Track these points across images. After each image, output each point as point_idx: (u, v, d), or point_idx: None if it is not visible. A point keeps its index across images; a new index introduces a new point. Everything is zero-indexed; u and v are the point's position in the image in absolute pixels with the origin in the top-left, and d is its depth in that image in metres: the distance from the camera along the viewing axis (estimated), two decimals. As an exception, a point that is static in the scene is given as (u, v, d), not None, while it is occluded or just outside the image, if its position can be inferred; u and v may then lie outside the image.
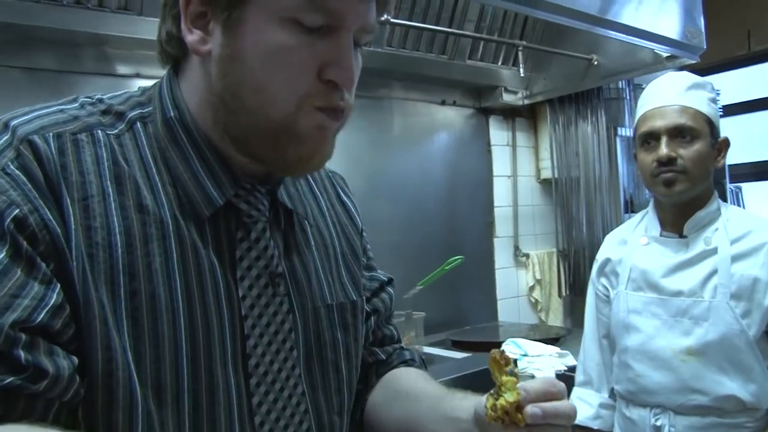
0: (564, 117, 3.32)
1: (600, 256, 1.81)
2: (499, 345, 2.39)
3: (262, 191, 0.80)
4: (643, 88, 3.35)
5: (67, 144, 0.69)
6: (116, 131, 0.73)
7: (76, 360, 0.64)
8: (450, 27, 2.74)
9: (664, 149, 1.55)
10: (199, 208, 0.74)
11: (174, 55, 0.78)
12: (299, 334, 0.82)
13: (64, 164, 0.67)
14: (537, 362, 2.19)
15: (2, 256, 0.61)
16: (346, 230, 0.97)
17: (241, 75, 0.70)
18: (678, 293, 1.57)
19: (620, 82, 3.27)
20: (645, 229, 1.70)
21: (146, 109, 0.77)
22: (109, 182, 0.70)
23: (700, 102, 1.58)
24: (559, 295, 3.40)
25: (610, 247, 1.79)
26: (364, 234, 1.03)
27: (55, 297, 0.63)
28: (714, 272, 1.54)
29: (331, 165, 2.84)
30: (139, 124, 0.75)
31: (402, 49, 2.71)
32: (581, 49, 2.94)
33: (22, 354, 0.60)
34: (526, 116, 3.45)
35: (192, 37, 0.72)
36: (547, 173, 3.43)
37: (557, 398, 0.75)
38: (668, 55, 2.69)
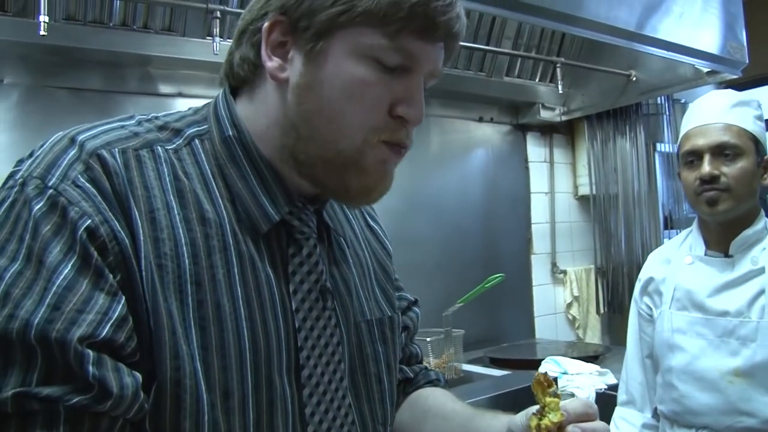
0: (602, 133, 3.30)
1: (643, 275, 1.78)
2: (538, 363, 2.38)
3: (311, 209, 0.83)
4: (683, 104, 3.36)
5: (132, 159, 0.71)
6: (174, 146, 0.76)
7: (140, 377, 0.65)
8: (488, 44, 2.74)
9: (706, 167, 1.53)
10: (257, 223, 0.77)
11: (243, 77, 0.81)
12: (345, 347, 0.84)
13: (131, 178, 0.70)
14: (577, 380, 2.18)
15: (69, 268, 0.63)
16: (377, 253, 1.01)
17: (318, 104, 0.74)
18: (724, 313, 1.54)
19: (659, 98, 3.23)
20: (690, 248, 1.67)
21: (202, 127, 0.80)
22: (172, 196, 0.72)
23: (745, 119, 1.56)
24: (597, 313, 3.36)
25: (653, 266, 1.76)
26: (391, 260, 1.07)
27: (119, 310, 0.65)
28: (761, 292, 1.50)
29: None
30: (197, 141, 0.78)
31: (440, 67, 2.72)
32: (620, 65, 2.92)
33: (90, 370, 0.61)
34: (563, 132, 3.44)
35: (272, 63, 0.76)
36: (584, 189, 3.40)
37: (593, 419, 0.79)
38: (709, 70, 2.66)
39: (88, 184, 0.67)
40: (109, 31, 1.96)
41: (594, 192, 3.33)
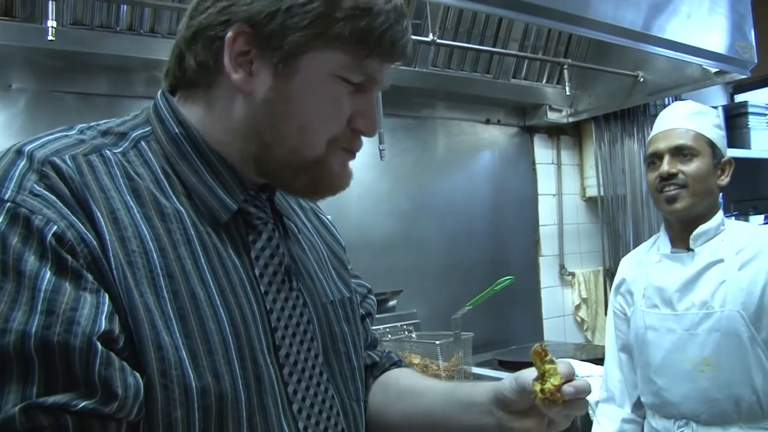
0: (609, 134, 3.29)
1: (617, 278, 1.90)
2: (547, 366, 2.36)
3: (263, 197, 0.87)
4: (694, 103, 3.33)
5: (83, 164, 0.71)
6: (121, 149, 0.77)
7: (139, 377, 0.65)
8: (494, 46, 2.74)
9: (665, 166, 1.68)
10: (217, 213, 0.79)
11: (195, 80, 0.82)
12: (315, 326, 0.87)
13: (86, 183, 0.70)
14: (587, 383, 2.16)
15: (49, 274, 0.62)
16: (327, 241, 1.03)
17: (286, 115, 0.78)
18: (690, 306, 1.65)
19: (667, 99, 3.22)
20: (657, 248, 1.80)
21: (146, 129, 0.81)
22: (128, 196, 0.73)
23: (703, 126, 1.70)
24: (606, 314, 3.34)
25: (625, 268, 1.88)
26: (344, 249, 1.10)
27: (108, 302, 0.65)
28: (722, 282, 1.62)
29: (380, 184, 2.86)
30: (143, 143, 0.79)
31: (447, 69, 2.73)
32: (627, 66, 2.92)
33: (96, 370, 0.61)
34: (570, 134, 3.43)
35: (237, 76, 0.77)
36: (592, 191, 3.39)
37: (573, 378, 0.86)
38: (717, 70, 2.65)
39: (46, 192, 0.66)
40: (116, 35, 1.96)
41: (602, 193, 3.32)
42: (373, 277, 2.45)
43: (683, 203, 1.66)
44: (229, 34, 0.76)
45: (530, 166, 3.27)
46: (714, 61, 2.54)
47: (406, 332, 2.35)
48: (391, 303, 2.46)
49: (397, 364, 1.13)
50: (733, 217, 3.52)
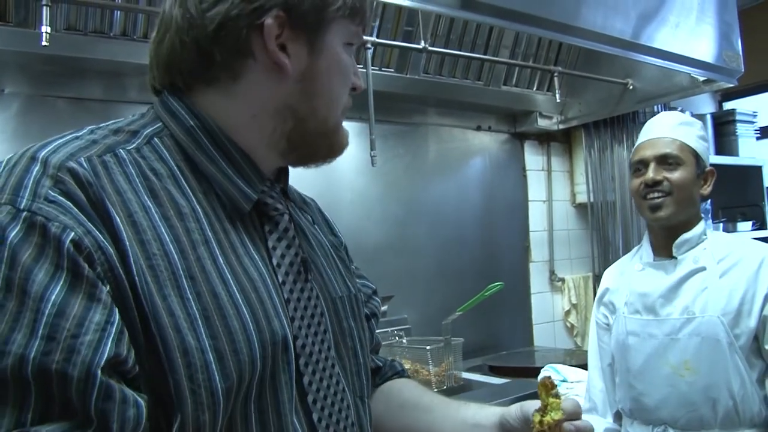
0: (599, 141, 3.32)
1: (600, 289, 1.93)
2: (537, 371, 2.38)
3: (278, 188, 0.88)
4: (682, 112, 3.37)
5: (98, 166, 0.70)
6: (135, 145, 0.76)
7: (143, 405, 0.64)
8: (485, 53, 2.76)
9: (650, 173, 1.72)
10: (238, 203, 0.80)
11: (219, 75, 0.81)
12: (327, 319, 0.88)
13: (103, 186, 0.69)
14: (576, 388, 2.18)
15: (57, 290, 0.61)
16: (329, 238, 1.04)
17: (319, 88, 0.83)
18: (672, 312, 1.68)
19: (656, 106, 3.25)
20: (640, 258, 1.83)
21: (156, 125, 0.80)
22: (145, 197, 0.72)
23: (688, 136, 1.74)
24: (596, 320, 3.37)
25: (609, 278, 1.91)
26: (347, 250, 1.11)
27: (117, 321, 0.63)
28: (704, 289, 1.65)
29: (372, 190, 2.87)
30: (156, 139, 0.79)
31: (438, 76, 2.74)
32: (617, 74, 2.94)
33: (92, 403, 0.60)
34: (561, 141, 3.46)
35: (282, 58, 0.80)
36: (582, 197, 3.42)
37: (580, 417, 0.89)
38: (705, 79, 2.68)
39: (62, 198, 0.65)
40: (109, 40, 1.97)
41: (591, 200, 3.34)
42: (364, 282, 2.47)
43: (667, 211, 1.69)
44: (269, 20, 0.77)
45: (521, 172, 3.29)
46: (702, 69, 2.58)
47: (397, 337, 2.36)
48: (383, 308, 2.47)
49: (400, 373, 1.14)
50: (721, 224, 3.56)
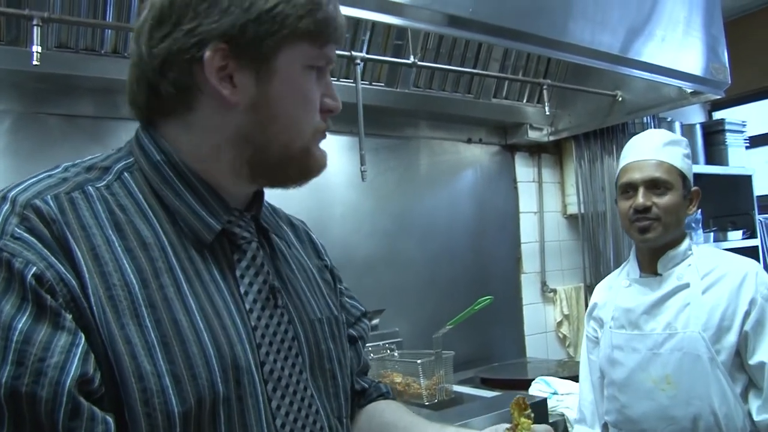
0: (589, 152, 3.34)
1: (590, 303, 1.97)
2: (528, 383, 2.39)
3: (248, 216, 0.90)
4: (669, 122, 3.40)
5: (65, 203, 0.74)
6: (105, 182, 0.80)
7: (111, 423, 0.68)
8: (475, 66, 2.79)
9: (640, 199, 1.72)
10: (201, 234, 0.82)
11: (174, 105, 0.83)
12: (302, 343, 0.90)
13: (67, 222, 0.73)
14: (566, 401, 2.19)
15: (25, 318, 0.65)
16: (314, 261, 1.07)
17: (273, 116, 0.83)
18: (655, 327, 1.71)
19: (645, 117, 3.28)
20: (627, 274, 1.86)
21: (129, 160, 0.84)
22: (110, 231, 0.75)
23: (675, 157, 1.75)
24: (588, 331, 3.38)
25: (598, 293, 1.95)
26: (336, 271, 1.13)
27: (82, 344, 0.67)
28: (687, 305, 1.68)
29: (362, 204, 2.86)
30: (126, 174, 0.83)
31: (428, 90, 2.77)
32: (606, 86, 2.97)
33: (60, 421, 0.64)
34: (551, 152, 3.48)
35: (225, 91, 0.81)
36: (573, 209, 3.44)
37: None
38: (693, 90, 2.71)
39: (26, 234, 0.69)
40: (100, 58, 1.98)
41: (582, 211, 3.36)
42: (355, 296, 2.48)
43: (655, 234, 1.71)
44: (208, 53, 0.79)
45: (512, 184, 3.31)
46: (689, 82, 2.61)
47: (389, 351, 2.36)
48: (374, 322, 2.48)
49: (385, 395, 1.16)
50: (712, 233, 3.58)
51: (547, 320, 3.38)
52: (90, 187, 0.78)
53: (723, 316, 1.63)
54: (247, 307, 0.83)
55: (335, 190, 2.60)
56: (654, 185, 1.72)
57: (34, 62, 1.65)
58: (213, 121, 0.83)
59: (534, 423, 0.94)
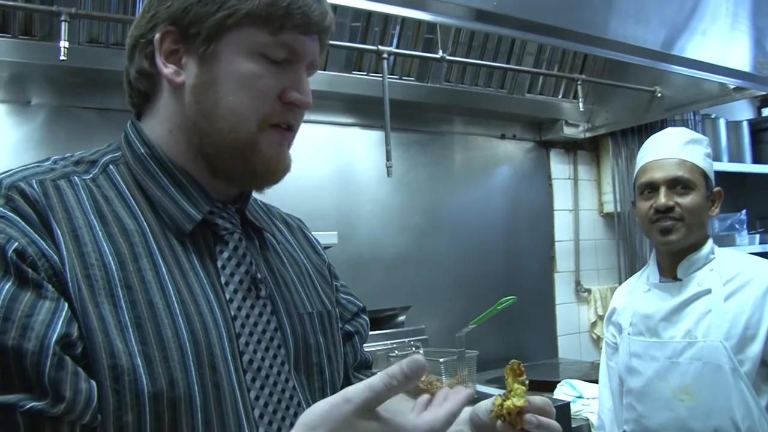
0: (627, 150, 3.26)
1: (609, 308, 1.91)
2: (554, 385, 2.35)
3: (232, 209, 0.90)
4: (714, 119, 3.30)
5: (50, 188, 0.77)
6: (91, 176, 0.82)
7: (95, 385, 0.69)
8: (509, 61, 2.74)
9: (662, 198, 1.66)
10: (181, 224, 0.83)
11: (144, 91, 0.87)
12: (288, 336, 0.90)
13: (51, 204, 0.75)
14: (592, 405, 2.15)
15: (8, 285, 0.68)
16: (311, 257, 1.07)
17: (214, 100, 0.83)
18: (675, 335, 1.64)
19: (687, 114, 3.18)
20: (647, 278, 1.79)
21: (116, 154, 0.87)
22: (92, 216, 0.78)
23: (696, 156, 1.69)
24: (623, 332, 3.31)
25: (618, 298, 1.89)
26: (332, 269, 1.13)
27: (66, 309, 0.70)
28: (708, 312, 1.61)
29: (392, 200, 2.85)
30: (111, 167, 0.85)
31: (461, 84, 2.73)
32: (644, 81, 2.90)
33: (45, 372, 0.66)
34: (587, 149, 3.41)
35: (168, 70, 0.83)
36: (609, 207, 3.37)
37: (550, 417, 0.87)
38: (736, 86, 2.62)
39: (10, 213, 0.72)
40: (130, 52, 2.00)
41: (619, 209, 3.29)
42: (382, 292, 2.47)
43: (677, 235, 1.65)
44: (156, 35, 0.82)
45: (546, 181, 3.26)
46: (733, 77, 2.51)
47: (413, 348, 2.35)
48: (400, 318, 2.47)
49: None
50: (758, 235, 3.46)
51: (580, 321, 3.32)
52: (76, 177, 0.81)
53: (747, 324, 1.56)
54: (227, 296, 0.84)
55: (364, 186, 2.60)
56: (676, 185, 1.66)
57: (62, 57, 1.69)
58: (169, 105, 0.85)
59: (544, 418, 0.87)
